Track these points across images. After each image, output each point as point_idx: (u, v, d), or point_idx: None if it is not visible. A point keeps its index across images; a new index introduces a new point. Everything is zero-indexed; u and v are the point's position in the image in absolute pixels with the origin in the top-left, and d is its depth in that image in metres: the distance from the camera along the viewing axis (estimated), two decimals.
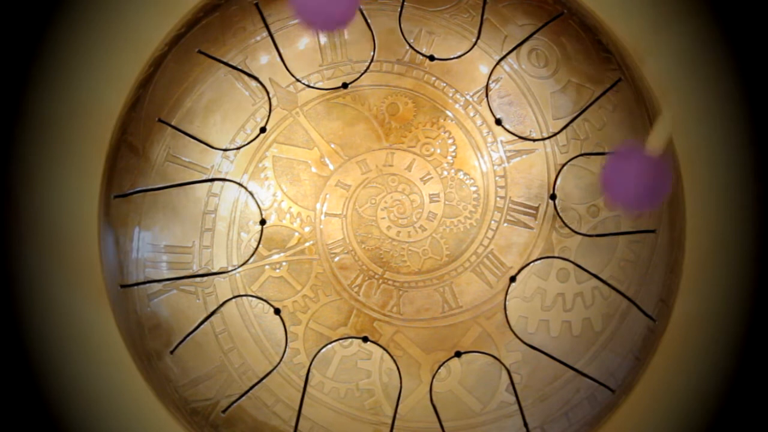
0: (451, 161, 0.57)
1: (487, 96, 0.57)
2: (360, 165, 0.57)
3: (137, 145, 0.55)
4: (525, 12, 0.57)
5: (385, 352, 0.56)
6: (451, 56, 0.57)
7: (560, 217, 0.57)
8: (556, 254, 0.56)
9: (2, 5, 0.50)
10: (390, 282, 0.57)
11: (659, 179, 0.44)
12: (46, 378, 0.50)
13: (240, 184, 0.57)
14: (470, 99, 0.57)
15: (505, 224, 0.57)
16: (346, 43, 0.57)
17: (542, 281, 0.56)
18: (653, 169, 0.44)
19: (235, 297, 0.56)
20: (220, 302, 0.56)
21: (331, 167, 0.57)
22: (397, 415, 0.56)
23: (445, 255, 0.57)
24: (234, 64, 0.57)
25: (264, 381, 0.56)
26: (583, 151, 0.57)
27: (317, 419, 0.56)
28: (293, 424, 0.56)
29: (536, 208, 0.57)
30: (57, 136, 0.51)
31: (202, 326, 0.56)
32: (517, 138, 0.57)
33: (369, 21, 0.57)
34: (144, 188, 0.56)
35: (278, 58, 0.57)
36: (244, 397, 0.56)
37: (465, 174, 0.57)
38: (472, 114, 0.57)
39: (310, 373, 0.56)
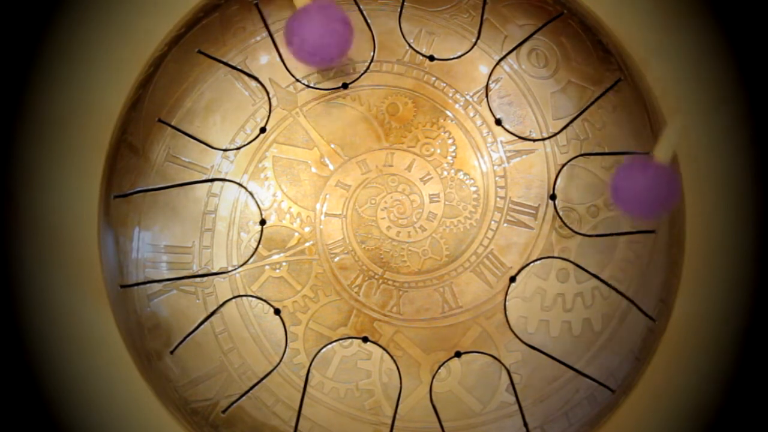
0: (451, 161, 0.57)
1: (487, 96, 0.57)
2: (360, 165, 0.57)
3: (137, 145, 0.55)
4: (525, 12, 0.57)
5: (385, 352, 0.56)
6: (451, 56, 0.57)
7: (560, 217, 0.57)
8: (556, 254, 0.56)
9: (2, 5, 0.50)
10: (390, 282, 0.57)
11: (668, 188, 0.45)
12: (46, 378, 0.50)
13: (240, 184, 0.57)
14: (470, 99, 0.57)
15: (505, 224, 0.57)
16: None
17: (542, 281, 0.56)
18: (662, 179, 0.45)
19: (235, 297, 0.56)
20: (220, 302, 0.56)
21: (331, 167, 0.57)
22: (397, 415, 0.56)
23: (445, 255, 0.57)
24: (234, 64, 0.57)
25: (264, 381, 0.56)
26: (583, 151, 0.57)
27: (317, 419, 0.56)
28: (293, 424, 0.56)
29: (536, 208, 0.57)
30: (57, 136, 0.51)
31: (202, 326, 0.56)
32: (517, 138, 0.57)
33: (369, 21, 0.57)
34: (144, 188, 0.56)
35: (278, 58, 0.57)
36: (244, 397, 0.56)
37: (465, 174, 0.57)
38: (472, 114, 0.57)
39: (310, 373, 0.56)
